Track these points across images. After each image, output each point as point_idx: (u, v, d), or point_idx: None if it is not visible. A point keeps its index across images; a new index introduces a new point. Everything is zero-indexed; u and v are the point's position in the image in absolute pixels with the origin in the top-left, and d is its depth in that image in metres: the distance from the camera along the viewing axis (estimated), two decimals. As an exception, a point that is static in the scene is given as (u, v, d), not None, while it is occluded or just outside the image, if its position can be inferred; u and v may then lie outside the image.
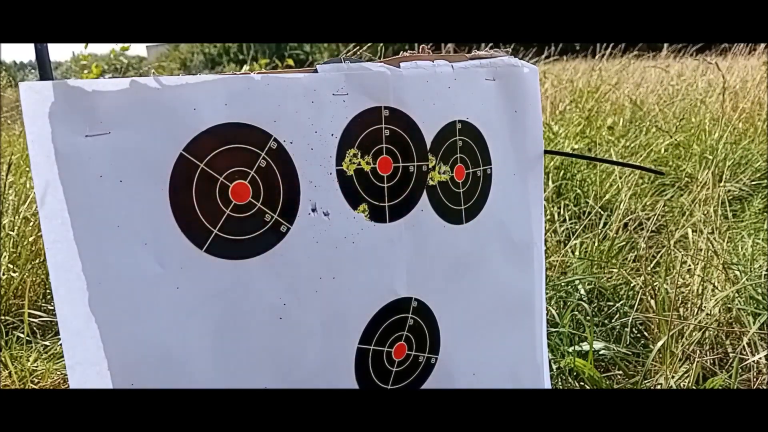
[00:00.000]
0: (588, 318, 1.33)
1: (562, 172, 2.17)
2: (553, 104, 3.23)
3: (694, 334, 1.24)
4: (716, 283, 1.40)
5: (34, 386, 1.23)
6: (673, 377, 1.15)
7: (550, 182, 2.07)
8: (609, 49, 4.45)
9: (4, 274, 1.51)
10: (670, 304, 1.29)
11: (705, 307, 1.32)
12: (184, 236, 0.50)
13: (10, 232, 1.60)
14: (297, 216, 0.55)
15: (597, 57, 4.50)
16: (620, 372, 1.22)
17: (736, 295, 1.34)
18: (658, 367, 1.19)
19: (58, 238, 0.45)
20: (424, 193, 0.63)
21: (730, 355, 1.22)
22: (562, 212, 1.92)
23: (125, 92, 0.47)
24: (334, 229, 0.57)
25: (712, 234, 1.60)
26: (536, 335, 0.77)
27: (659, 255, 1.62)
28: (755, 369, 1.19)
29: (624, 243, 1.72)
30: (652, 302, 1.37)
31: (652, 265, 1.59)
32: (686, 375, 1.15)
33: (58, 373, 1.26)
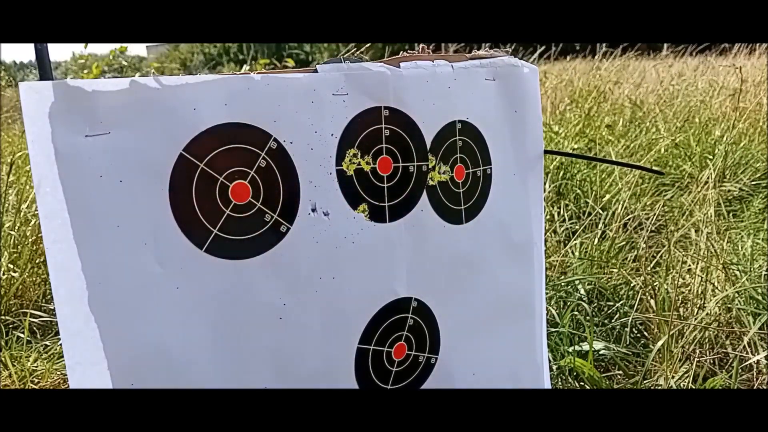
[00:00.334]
0: (588, 318, 1.33)
1: (562, 172, 2.17)
2: (553, 104, 3.23)
3: (694, 334, 1.24)
4: (716, 283, 1.39)
5: (34, 386, 1.23)
6: (673, 377, 1.15)
7: (550, 182, 2.07)
8: (609, 49, 4.45)
9: (4, 274, 1.51)
10: (670, 304, 1.29)
11: (705, 307, 1.32)
12: (184, 236, 0.50)
13: (11, 232, 1.60)
14: (297, 216, 0.55)
15: (597, 57, 4.50)
16: (620, 372, 1.22)
17: (736, 295, 1.34)
18: (658, 367, 1.19)
19: (58, 238, 0.45)
20: (424, 193, 0.63)
21: (730, 355, 1.22)
22: (562, 212, 1.92)
23: (125, 92, 0.47)
24: (334, 229, 0.57)
25: (712, 234, 1.60)
26: (536, 335, 0.77)
27: (659, 255, 1.62)
28: (755, 369, 1.19)
29: (624, 243, 1.72)
30: (652, 302, 1.37)
31: (652, 265, 1.59)
32: (686, 375, 1.15)
33: (58, 373, 1.26)
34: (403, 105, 0.61)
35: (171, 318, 0.50)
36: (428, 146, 0.63)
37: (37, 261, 1.54)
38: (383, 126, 0.60)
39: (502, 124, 0.70)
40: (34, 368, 1.27)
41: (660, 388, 1.14)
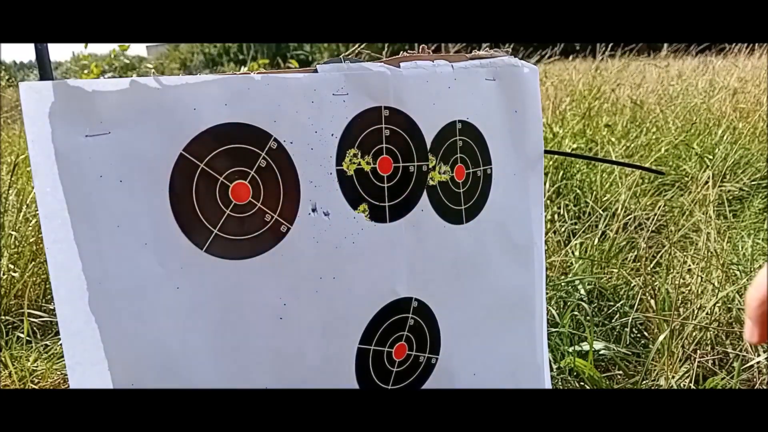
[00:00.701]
0: (588, 318, 1.33)
1: (562, 172, 2.17)
2: (554, 104, 3.23)
3: (694, 334, 1.24)
4: (716, 283, 1.39)
5: (34, 386, 1.23)
6: (673, 377, 1.15)
7: (550, 182, 2.07)
8: (609, 50, 4.46)
9: (4, 274, 1.51)
10: (670, 304, 1.29)
11: (705, 307, 1.32)
12: (185, 236, 0.50)
13: (11, 232, 1.60)
14: (297, 216, 0.55)
15: (597, 57, 4.50)
16: (620, 372, 1.22)
17: (736, 295, 1.34)
18: (658, 367, 1.19)
19: (58, 238, 0.45)
20: (425, 193, 0.63)
21: (730, 355, 1.22)
22: (562, 212, 1.92)
23: (125, 92, 0.47)
24: (334, 229, 0.57)
25: (712, 234, 1.60)
26: (536, 335, 0.77)
27: (659, 255, 1.62)
28: (755, 369, 1.19)
29: (624, 243, 1.72)
30: (652, 302, 1.37)
31: (652, 265, 1.59)
32: (686, 375, 1.15)
33: (58, 373, 1.26)
34: (404, 105, 0.61)
35: (171, 318, 0.50)
36: (428, 146, 0.63)
37: (37, 261, 1.54)
38: (383, 126, 0.60)
39: (502, 124, 0.70)
40: (34, 368, 1.27)
41: (660, 388, 1.14)
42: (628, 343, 1.30)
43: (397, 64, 0.61)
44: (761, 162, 2.42)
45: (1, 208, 1.64)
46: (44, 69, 0.47)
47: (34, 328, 1.44)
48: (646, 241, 1.69)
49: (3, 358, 1.27)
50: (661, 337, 1.17)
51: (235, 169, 0.52)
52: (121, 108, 0.47)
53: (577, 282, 1.49)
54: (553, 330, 1.27)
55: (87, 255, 0.46)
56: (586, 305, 1.38)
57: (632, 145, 2.56)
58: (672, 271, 1.47)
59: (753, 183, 2.29)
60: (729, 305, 1.32)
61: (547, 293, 0.82)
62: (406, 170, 0.62)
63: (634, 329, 1.35)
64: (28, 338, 1.36)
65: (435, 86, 0.63)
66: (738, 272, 1.46)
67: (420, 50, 0.67)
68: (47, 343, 1.38)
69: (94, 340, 0.47)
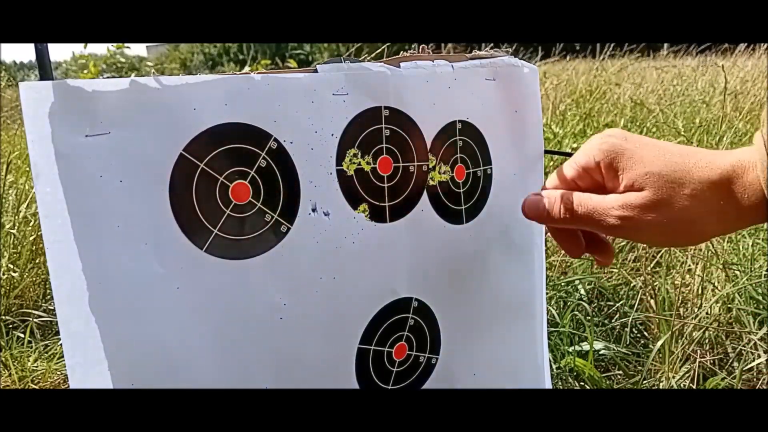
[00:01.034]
0: (588, 318, 1.33)
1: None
2: (554, 104, 3.23)
3: (694, 334, 1.24)
4: (716, 283, 1.39)
5: (34, 386, 1.23)
6: (673, 377, 1.15)
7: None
8: (609, 50, 4.45)
9: (4, 274, 1.51)
10: (670, 304, 1.28)
11: (705, 307, 1.32)
12: (185, 236, 0.50)
13: (11, 232, 1.60)
14: (297, 216, 0.55)
15: (597, 57, 4.50)
16: (620, 372, 1.22)
17: (736, 295, 1.34)
18: (658, 367, 1.19)
19: (58, 238, 0.45)
20: (425, 193, 0.63)
21: (730, 355, 1.22)
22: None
23: (125, 92, 0.47)
24: (334, 229, 0.57)
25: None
26: (537, 335, 0.77)
27: (659, 255, 1.62)
28: (755, 369, 1.19)
29: (624, 243, 1.72)
30: (652, 302, 1.37)
31: (652, 265, 1.59)
32: (686, 375, 1.15)
33: (58, 373, 1.26)
34: (404, 105, 0.61)
35: (171, 318, 0.50)
36: (428, 146, 0.63)
37: (37, 261, 1.54)
38: (383, 126, 0.60)
39: (502, 124, 0.70)
40: (35, 368, 1.27)
41: (660, 388, 1.14)
42: (628, 343, 1.30)
43: (397, 64, 0.61)
44: (761, 162, 2.41)
45: (1, 208, 1.64)
46: (44, 69, 0.47)
47: (34, 328, 1.44)
48: (646, 241, 1.69)
49: (3, 358, 1.27)
50: (662, 340, 1.17)
51: (235, 169, 0.52)
52: (121, 108, 0.47)
53: (577, 282, 1.49)
54: (553, 330, 1.27)
55: (87, 255, 0.46)
56: (586, 305, 1.38)
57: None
58: (672, 271, 1.47)
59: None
60: (729, 305, 1.32)
61: (547, 293, 0.82)
62: (406, 170, 0.62)
63: (634, 329, 1.35)
64: (28, 338, 1.36)
65: (435, 86, 0.63)
66: (738, 272, 1.46)
67: (420, 50, 0.67)
68: (47, 343, 1.38)
69: (94, 340, 0.47)
